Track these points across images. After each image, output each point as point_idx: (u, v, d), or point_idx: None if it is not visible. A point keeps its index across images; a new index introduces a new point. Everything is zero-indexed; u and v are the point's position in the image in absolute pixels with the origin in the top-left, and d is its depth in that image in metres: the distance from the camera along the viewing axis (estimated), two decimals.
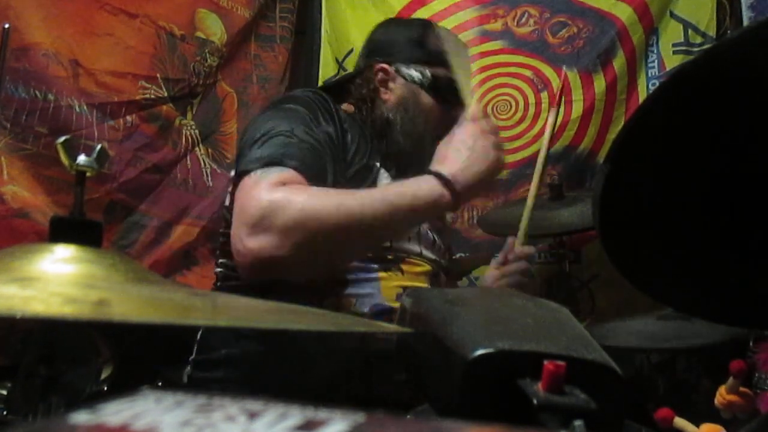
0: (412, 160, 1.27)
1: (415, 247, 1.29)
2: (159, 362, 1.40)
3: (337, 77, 1.57)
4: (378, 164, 1.28)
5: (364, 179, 1.24)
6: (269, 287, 1.08)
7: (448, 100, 1.31)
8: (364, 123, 1.33)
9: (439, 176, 1.11)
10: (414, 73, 1.33)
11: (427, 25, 1.43)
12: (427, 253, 1.31)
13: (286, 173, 1.10)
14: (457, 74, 1.29)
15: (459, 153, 1.14)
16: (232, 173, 1.24)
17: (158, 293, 0.54)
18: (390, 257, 1.24)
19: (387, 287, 1.22)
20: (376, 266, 1.23)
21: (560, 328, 0.57)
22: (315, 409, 0.27)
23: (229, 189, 1.25)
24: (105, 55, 2.05)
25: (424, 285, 1.27)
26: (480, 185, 1.15)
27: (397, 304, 1.18)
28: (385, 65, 1.35)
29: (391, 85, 1.34)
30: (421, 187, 1.11)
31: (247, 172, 1.12)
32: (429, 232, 1.34)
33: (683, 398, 1.57)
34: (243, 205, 1.09)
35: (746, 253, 0.60)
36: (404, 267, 1.26)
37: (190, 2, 2.32)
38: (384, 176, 1.28)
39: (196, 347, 1.25)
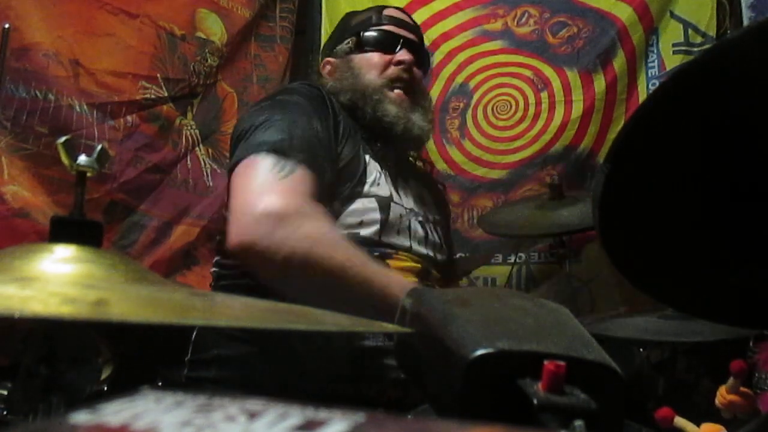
0: (374, 110, 1.38)
1: (405, 242, 1.29)
2: (158, 362, 1.40)
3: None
4: (368, 156, 1.31)
5: (354, 172, 1.27)
6: (255, 282, 1.11)
7: (384, 47, 1.46)
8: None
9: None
10: (344, 47, 1.49)
11: (351, 13, 1.61)
12: (418, 248, 1.31)
13: (299, 174, 1.12)
14: (384, 26, 1.47)
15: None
16: None
17: (158, 293, 0.54)
18: (376, 255, 1.22)
19: None
20: None
21: (560, 328, 0.57)
22: (315, 409, 0.27)
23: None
24: (105, 55, 2.05)
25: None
26: None
27: None
28: (327, 59, 1.51)
29: (336, 70, 1.49)
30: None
31: (251, 155, 1.14)
32: (420, 225, 1.34)
33: (683, 398, 1.57)
34: (257, 186, 1.10)
35: (746, 252, 0.60)
36: (391, 263, 1.25)
37: (190, 2, 2.32)
38: (374, 168, 1.30)
39: (191, 347, 1.26)
